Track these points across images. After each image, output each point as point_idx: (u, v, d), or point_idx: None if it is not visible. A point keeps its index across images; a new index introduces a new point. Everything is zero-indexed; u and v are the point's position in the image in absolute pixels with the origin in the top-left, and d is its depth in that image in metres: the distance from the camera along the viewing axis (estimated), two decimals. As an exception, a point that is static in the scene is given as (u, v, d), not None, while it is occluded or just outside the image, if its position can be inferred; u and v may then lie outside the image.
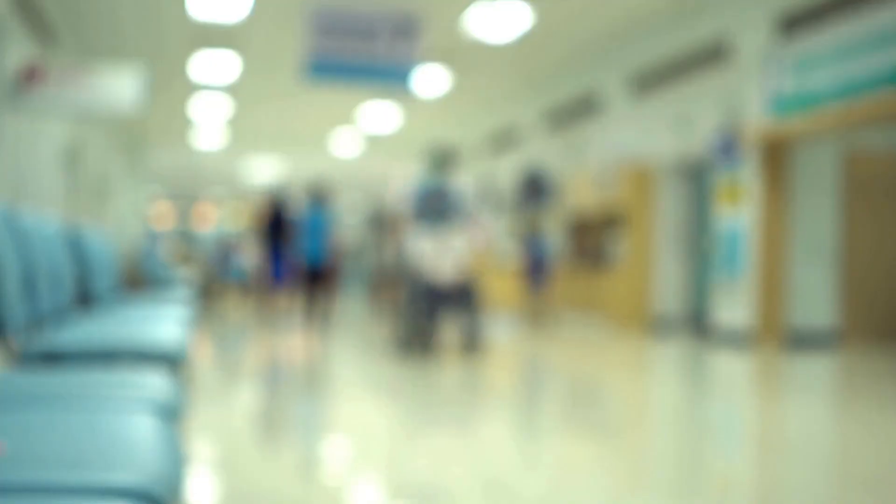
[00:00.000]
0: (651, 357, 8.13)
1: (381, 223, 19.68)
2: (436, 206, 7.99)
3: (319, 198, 10.27)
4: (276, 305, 11.57)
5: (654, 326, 10.34)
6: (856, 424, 4.67)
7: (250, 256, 18.16)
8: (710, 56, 9.09)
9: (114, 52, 11.15)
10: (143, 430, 1.31)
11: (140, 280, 10.46)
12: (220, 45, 10.82)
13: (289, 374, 6.72)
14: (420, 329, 7.38)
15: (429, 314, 7.37)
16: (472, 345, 7.40)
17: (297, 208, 11.14)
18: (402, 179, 21.69)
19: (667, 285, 10.39)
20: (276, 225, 10.87)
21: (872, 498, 3.07)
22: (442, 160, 8.44)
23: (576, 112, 12.22)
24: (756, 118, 8.36)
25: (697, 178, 10.37)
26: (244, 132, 17.73)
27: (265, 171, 23.21)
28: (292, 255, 10.52)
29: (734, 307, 8.62)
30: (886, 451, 3.92)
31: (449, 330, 8.89)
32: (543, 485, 3.18)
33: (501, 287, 14.18)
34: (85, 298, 3.93)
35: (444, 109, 14.70)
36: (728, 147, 8.64)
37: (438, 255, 7.57)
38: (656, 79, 10.13)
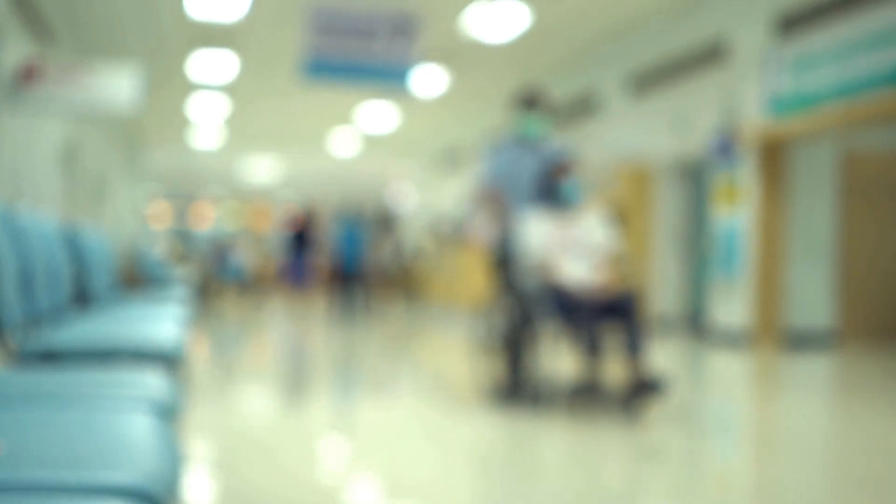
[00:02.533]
0: (649, 356, 8.12)
1: (380, 222, 19.69)
2: (543, 175, 5.11)
3: (354, 215, 12.77)
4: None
5: (651, 326, 10.35)
6: (854, 424, 4.67)
7: (249, 256, 18.17)
8: (708, 56, 9.09)
9: (112, 51, 11.14)
10: (140, 429, 1.31)
11: (138, 279, 10.47)
12: (218, 44, 10.81)
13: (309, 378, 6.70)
14: (585, 366, 4.56)
15: (591, 342, 4.51)
16: (641, 387, 4.45)
17: (325, 222, 13.74)
18: (401, 183, 21.71)
19: (664, 285, 10.40)
20: (299, 236, 13.39)
21: (870, 498, 3.07)
22: (534, 101, 5.27)
23: (574, 112, 12.22)
24: (754, 118, 8.37)
25: (695, 178, 10.38)
26: (242, 132, 17.72)
27: (263, 170, 23.20)
28: (316, 260, 13.33)
29: (732, 307, 8.62)
30: (884, 451, 3.92)
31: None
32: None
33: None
34: (82, 297, 3.92)
35: (442, 109, 14.70)
36: (726, 147, 8.64)
37: (565, 251, 4.85)
38: (654, 79, 10.13)
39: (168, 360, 2.47)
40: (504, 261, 5.12)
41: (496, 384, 5.04)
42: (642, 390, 4.45)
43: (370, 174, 22.70)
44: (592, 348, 4.50)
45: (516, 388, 4.86)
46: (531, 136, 5.22)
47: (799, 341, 8.45)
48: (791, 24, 7.94)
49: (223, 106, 14.70)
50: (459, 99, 13.85)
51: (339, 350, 8.38)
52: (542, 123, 5.26)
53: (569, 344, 4.69)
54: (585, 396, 4.57)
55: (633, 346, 4.58)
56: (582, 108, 11.99)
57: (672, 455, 3.84)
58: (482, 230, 5.30)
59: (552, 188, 5.02)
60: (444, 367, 7.39)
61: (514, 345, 4.93)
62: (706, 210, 9.99)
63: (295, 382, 6.05)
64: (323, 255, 15.47)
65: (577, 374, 4.65)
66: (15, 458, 1.10)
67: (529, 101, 5.26)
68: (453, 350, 8.65)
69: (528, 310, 4.79)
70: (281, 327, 11.31)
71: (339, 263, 13.56)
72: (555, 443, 4.03)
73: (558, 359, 4.82)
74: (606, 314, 4.62)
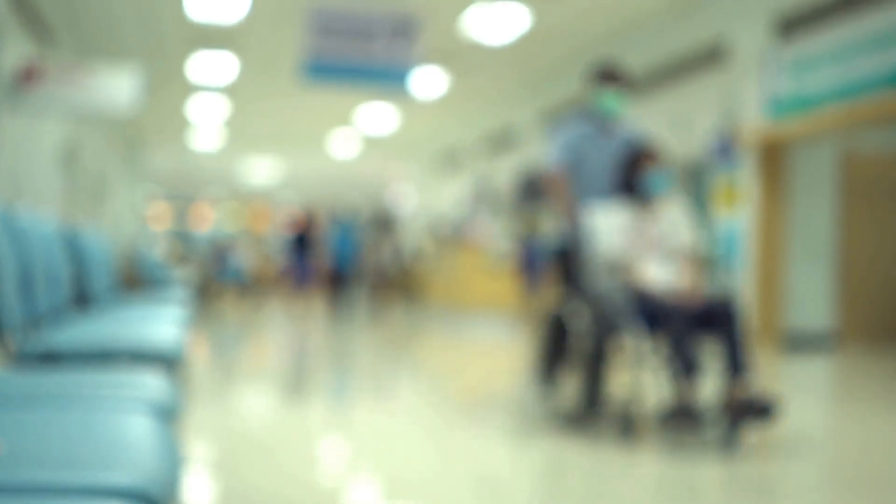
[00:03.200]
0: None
1: (380, 224, 19.72)
2: (625, 162, 4.30)
3: (348, 218, 13.54)
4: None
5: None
6: (854, 426, 4.67)
7: (248, 257, 18.18)
8: (708, 58, 9.10)
9: (111, 52, 11.14)
10: (139, 430, 1.31)
11: (137, 280, 10.46)
12: (218, 45, 10.81)
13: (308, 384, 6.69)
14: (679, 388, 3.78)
15: (685, 357, 3.78)
16: (747, 411, 3.70)
17: (323, 225, 14.88)
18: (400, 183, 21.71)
19: (664, 287, 10.39)
20: (300, 239, 14.20)
21: (872, 498, 3.07)
22: (611, 75, 4.53)
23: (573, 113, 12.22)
24: (753, 120, 8.37)
25: (695, 180, 10.38)
26: (242, 133, 17.72)
27: (263, 171, 23.20)
28: (317, 261, 14.73)
29: (731, 309, 8.61)
30: (885, 452, 3.92)
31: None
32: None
33: (496, 288, 14.18)
34: (82, 298, 3.92)
35: (442, 111, 14.70)
36: (726, 148, 8.64)
37: (646, 251, 4.18)
38: (654, 80, 10.13)
39: (167, 361, 2.47)
40: (571, 259, 4.41)
41: (563, 404, 4.32)
42: (748, 414, 3.69)
43: (370, 175, 22.71)
44: (687, 364, 3.76)
45: (592, 410, 4.10)
46: (607, 114, 4.51)
47: (799, 342, 8.44)
48: (791, 26, 7.95)
49: (223, 107, 14.70)
50: (459, 100, 13.85)
51: (337, 351, 8.38)
52: (620, 100, 4.52)
53: (656, 359, 3.95)
54: (678, 421, 3.73)
55: (737, 362, 3.83)
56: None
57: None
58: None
59: (634, 177, 4.25)
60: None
61: (589, 358, 4.15)
62: (706, 211, 9.99)
63: (294, 383, 6.05)
64: (321, 257, 16.14)
65: (666, 395, 3.93)
66: (15, 458, 1.10)
67: (606, 75, 4.52)
68: (467, 353, 8.65)
69: (604, 317, 4.06)
70: (280, 329, 11.32)
71: (333, 265, 14.21)
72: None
73: (643, 376, 4.00)
74: (701, 324, 3.90)
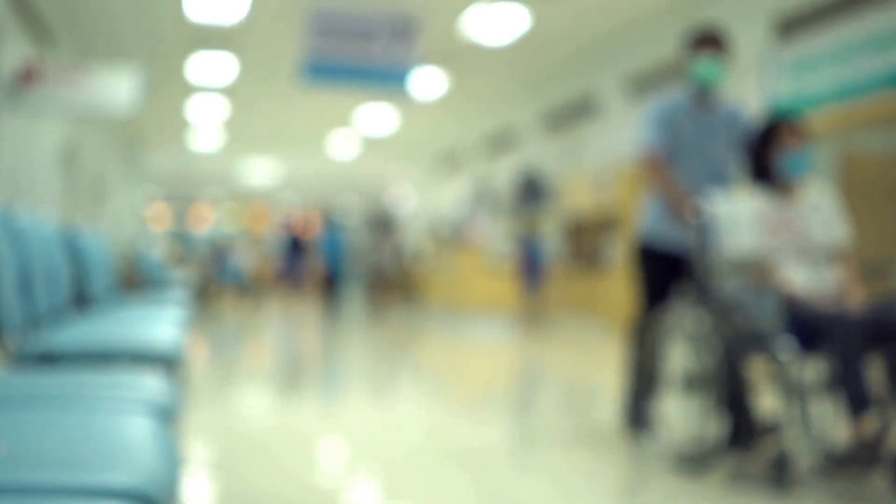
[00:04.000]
0: None
1: (379, 224, 19.73)
2: (756, 140, 3.63)
3: (337, 222, 13.97)
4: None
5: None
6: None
7: (248, 258, 18.18)
8: (708, 58, 9.10)
9: (111, 53, 11.14)
10: (139, 431, 1.31)
11: (137, 281, 10.47)
12: (218, 46, 10.81)
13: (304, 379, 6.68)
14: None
15: (858, 383, 3.01)
16: None
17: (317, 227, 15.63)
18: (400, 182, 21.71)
19: (664, 287, 10.37)
20: (295, 240, 14.98)
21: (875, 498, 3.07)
22: (705, 39, 3.97)
23: (573, 114, 12.23)
24: (753, 120, 8.37)
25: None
26: (241, 134, 17.72)
27: (262, 172, 23.20)
28: (310, 263, 15.45)
29: (731, 309, 8.61)
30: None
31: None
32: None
33: (496, 289, 14.18)
34: (81, 299, 3.92)
35: (441, 111, 14.70)
36: (725, 149, 8.64)
37: (789, 248, 3.39)
38: (653, 81, 10.13)
39: (167, 361, 2.47)
40: (683, 257, 3.71)
41: (690, 439, 3.45)
42: None
43: (369, 176, 22.71)
44: (860, 393, 2.98)
45: (740, 446, 3.32)
46: (703, 82, 3.90)
47: (798, 343, 8.44)
48: (791, 26, 7.95)
49: (222, 108, 14.70)
50: (458, 101, 13.85)
51: (336, 352, 8.38)
52: (716, 66, 3.91)
53: (814, 384, 3.22)
54: (848, 466, 2.97)
55: None
56: (581, 110, 12.00)
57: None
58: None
59: (768, 156, 3.52)
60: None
61: (726, 382, 3.30)
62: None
63: (293, 384, 6.05)
64: (314, 259, 16.58)
65: (828, 430, 3.21)
66: (14, 459, 1.09)
67: (700, 40, 3.94)
68: (467, 353, 8.65)
69: (741, 331, 3.29)
70: (279, 329, 11.32)
71: (326, 267, 14.70)
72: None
73: (798, 406, 3.21)
74: (869, 341, 3.05)
